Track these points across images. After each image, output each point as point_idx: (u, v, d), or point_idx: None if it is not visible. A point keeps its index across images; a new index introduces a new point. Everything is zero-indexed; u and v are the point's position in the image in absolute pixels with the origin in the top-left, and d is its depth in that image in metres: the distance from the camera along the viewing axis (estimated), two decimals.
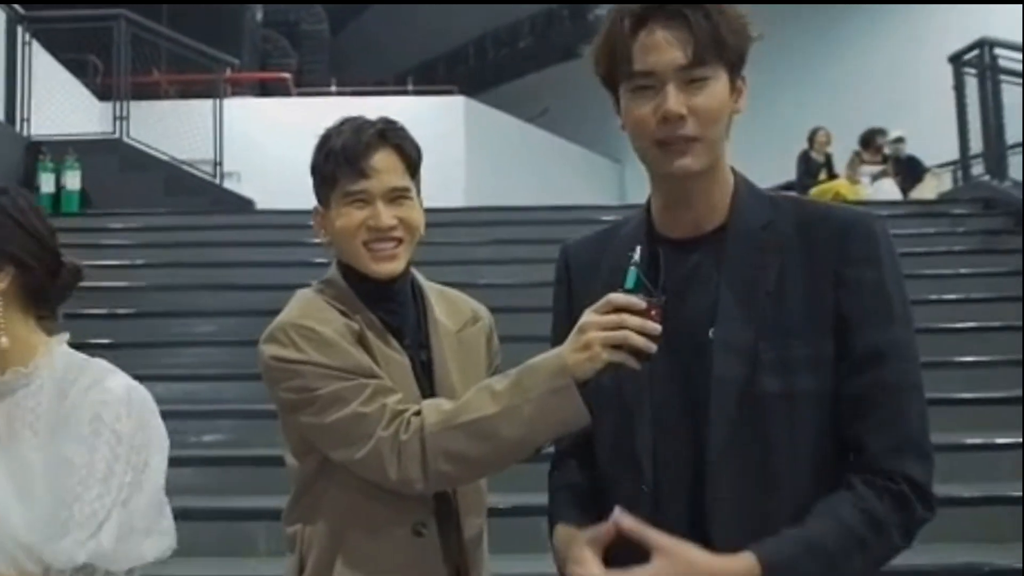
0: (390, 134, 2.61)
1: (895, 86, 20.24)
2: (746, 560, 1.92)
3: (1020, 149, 12.04)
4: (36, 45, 14.48)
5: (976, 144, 12.82)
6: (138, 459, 2.22)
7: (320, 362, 2.46)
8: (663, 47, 2.01)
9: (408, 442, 2.34)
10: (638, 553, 1.94)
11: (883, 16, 21.61)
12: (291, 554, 2.63)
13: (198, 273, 10.23)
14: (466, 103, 23.34)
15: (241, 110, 19.14)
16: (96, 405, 2.21)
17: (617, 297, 2.02)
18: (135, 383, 2.31)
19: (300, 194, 2.72)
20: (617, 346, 2.01)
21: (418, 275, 2.76)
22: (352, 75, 29.23)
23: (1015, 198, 11.37)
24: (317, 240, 2.74)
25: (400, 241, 2.60)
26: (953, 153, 13.73)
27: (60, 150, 13.33)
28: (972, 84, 12.77)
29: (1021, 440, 6.32)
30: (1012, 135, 12.18)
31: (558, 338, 2.21)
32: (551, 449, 2.38)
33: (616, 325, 2.01)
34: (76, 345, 2.40)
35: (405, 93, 26.04)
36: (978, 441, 6.54)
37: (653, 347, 1.99)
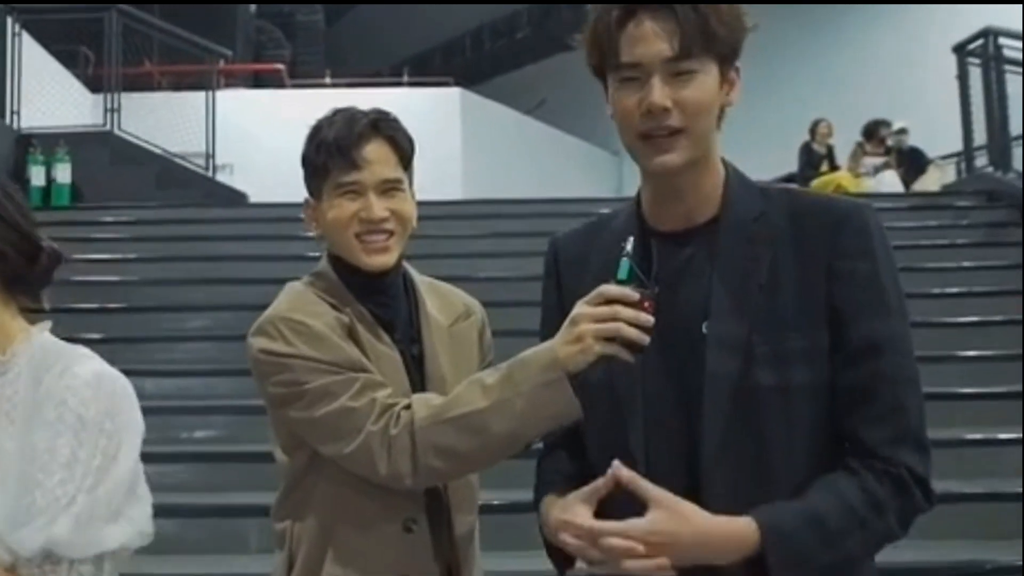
0: (383, 125, 2.61)
1: (898, 77, 20.26)
2: (745, 523, 1.93)
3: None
4: (26, 36, 14.48)
5: (980, 135, 12.80)
6: (108, 445, 2.20)
7: (309, 356, 2.47)
8: (650, 39, 2.00)
9: (398, 436, 2.34)
10: (631, 514, 1.93)
11: (886, 6, 21.60)
12: (280, 550, 2.63)
13: (190, 267, 10.22)
14: (462, 95, 23.30)
15: (234, 102, 19.10)
16: (62, 390, 2.21)
17: (610, 289, 2.02)
18: (109, 370, 2.30)
19: (294, 187, 2.72)
20: (610, 338, 2.01)
21: (410, 268, 2.76)
22: (347, 66, 29.21)
23: (1019, 190, 11.34)
24: (309, 233, 2.74)
25: (392, 233, 2.60)
26: (957, 144, 13.72)
27: (50, 143, 13.35)
28: (976, 74, 12.75)
29: (1023, 436, 6.31)
30: (1016, 126, 12.15)
31: (547, 333, 2.21)
32: (541, 445, 2.38)
33: (609, 317, 2.00)
34: (67, 340, 2.40)
35: (401, 85, 26.02)
36: (979, 436, 6.54)
37: (646, 339, 1.98)
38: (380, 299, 2.64)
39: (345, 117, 2.62)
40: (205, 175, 14.73)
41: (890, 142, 15.15)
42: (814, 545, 1.94)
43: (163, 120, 14.71)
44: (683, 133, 2.02)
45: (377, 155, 2.58)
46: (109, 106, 14.33)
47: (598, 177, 24.02)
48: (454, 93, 23.34)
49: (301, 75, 27.95)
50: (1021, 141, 12.06)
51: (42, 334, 2.36)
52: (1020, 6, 12.37)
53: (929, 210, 11.78)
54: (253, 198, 14.59)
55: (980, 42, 12.68)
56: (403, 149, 2.64)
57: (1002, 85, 12.35)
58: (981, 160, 12.91)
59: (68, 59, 16.98)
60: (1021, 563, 5.17)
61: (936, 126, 14.85)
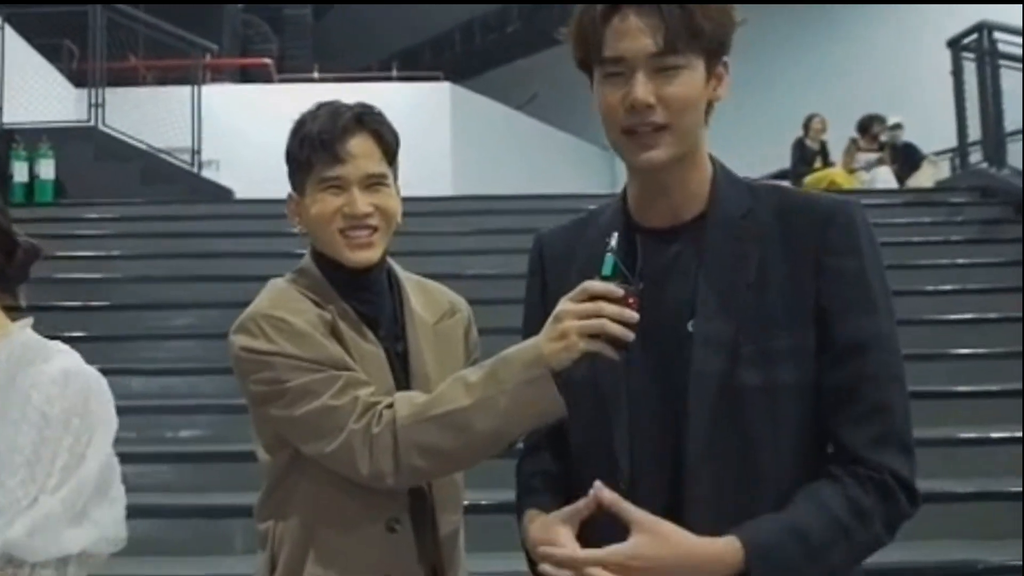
0: (367, 119, 2.60)
1: (893, 72, 20.27)
2: (728, 542, 1.92)
3: (1019, 136, 12.01)
4: (9, 30, 14.45)
5: (975, 131, 12.81)
6: (74, 444, 2.17)
7: (291, 353, 2.46)
8: (634, 33, 1.99)
9: (380, 435, 2.33)
10: (613, 534, 1.93)
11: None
12: (263, 550, 2.63)
13: (175, 264, 10.19)
14: (452, 89, 23.29)
15: (220, 97, 19.10)
16: (27, 388, 2.19)
17: (594, 285, 2.01)
18: (80, 367, 2.28)
19: (281, 183, 2.70)
20: (594, 335, 2.01)
21: (395, 265, 2.76)
22: (335, 61, 29.15)
23: (1014, 186, 11.36)
24: (294, 229, 2.73)
25: (376, 229, 2.59)
26: (951, 140, 13.72)
27: (34, 138, 13.30)
28: (971, 69, 12.76)
29: (1021, 435, 6.32)
30: (1012, 122, 12.16)
31: (529, 332, 2.20)
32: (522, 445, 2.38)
33: (593, 313, 2.00)
34: (50, 338, 2.39)
35: (390, 79, 25.99)
36: (973, 435, 6.54)
37: (631, 335, 1.98)
38: (364, 296, 2.63)
39: (329, 111, 2.61)
40: (191, 171, 14.72)
41: (884, 138, 15.15)
42: (798, 560, 1.93)
43: (148, 115, 14.70)
44: (667, 129, 2.02)
45: (361, 149, 2.57)
46: (93, 101, 14.31)
47: (590, 173, 24.02)
48: (444, 88, 23.34)
49: (289, 70, 27.92)
50: (1020, 137, 12.04)
51: (23, 331, 2.34)
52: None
53: (923, 206, 11.77)
54: (239, 194, 14.55)
55: (974, 37, 12.66)
56: (388, 143, 2.63)
57: (996, 80, 12.34)
58: (975, 156, 12.93)
59: (52, 53, 16.97)
60: (1017, 563, 5.17)
61: (931, 122, 14.85)
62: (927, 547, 5.08)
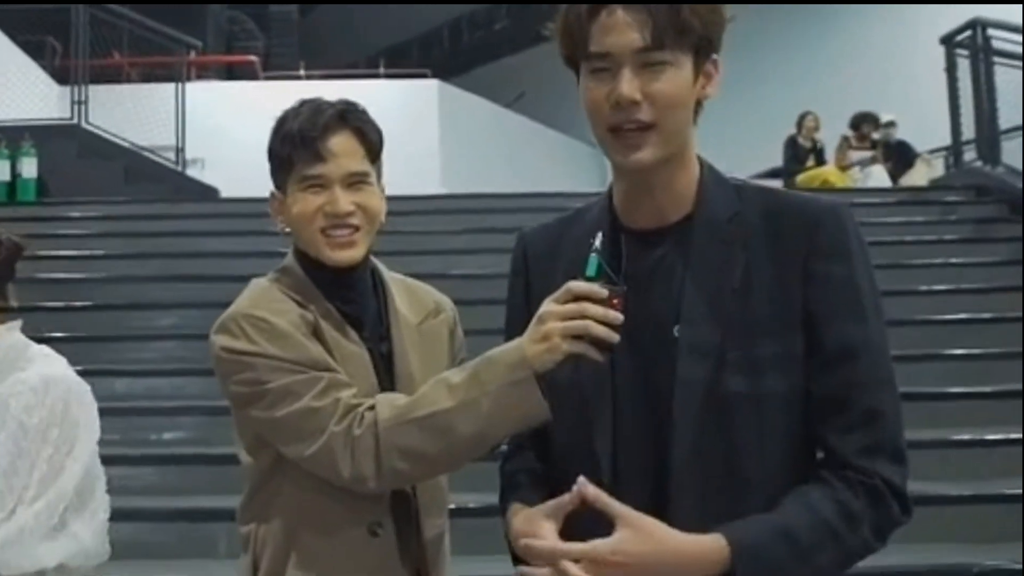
0: (350, 116, 2.59)
1: (887, 69, 20.28)
2: (714, 540, 1.91)
3: (1015, 134, 12.01)
4: None
5: (969, 129, 12.82)
6: (53, 455, 2.16)
7: (272, 354, 2.45)
8: (620, 28, 1.98)
9: (361, 437, 2.33)
10: (597, 530, 1.92)
11: None
12: (245, 554, 2.62)
13: (159, 264, 10.18)
14: (440, 87, 23.25)
15: (205, 94, 19.04)
16: (7, 396, 2.17)
17: (577, 285, 2.00)
18: (63, 374, 2.26)
19: (266, 182, 2.70)
20: (578, 336, 2.00)
21: (379, 264, 2.75)
22: (322, 58, 29.15)
23: (1009, 185, 11.38)
24: (277, 227, 2.72)
25: (358, 228, 2.58)
26: (946, 138, 13.73)
27: (16, 136, 13.25)
28: (965, 66, 12.77)
29: (1018, 436, 6.32)
30: (1006, 119, 12.17)
31: (511, 333, 2.20)
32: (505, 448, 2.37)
33: (576, 314, 1.99)
34: (32, 339, 2.38)
35: (377, 77, 25.93)
36: (968, 437, 6.55)
37: (615, 337, 1.97)
38: (347, 295, 2.63)
39: (311, 108, 2.60)
40: (175, 169, 14.66)
41: (876, 136, 15.16)
42: (785, 560, 1.92)
43: (132, 113, 14.64)
44: (654, 129, 2.00)
45: (343, 147, 2.57)
46: (76, 98, 14.25)
47: (579, 171, 23.99)
48: (432, 85, 23.29)
49: (274, 67, 27.88)
50: (1013, 135, 12.05)
51: (11, 333, 2.33)
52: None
53: (916, 205, 11.79)
54: (224, 193, 14.50)
55: (968, 33, 12.68)
56: (371, 141, 2.62)
57: (991, 77, 12.35)
58: (970, 154, 12.93)
59: (34, 50, 16.91)
60: (1016, 567, 5.17)
61: (925, 119, 14.87)
62: (922, 551, 5.08)
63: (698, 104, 2.09)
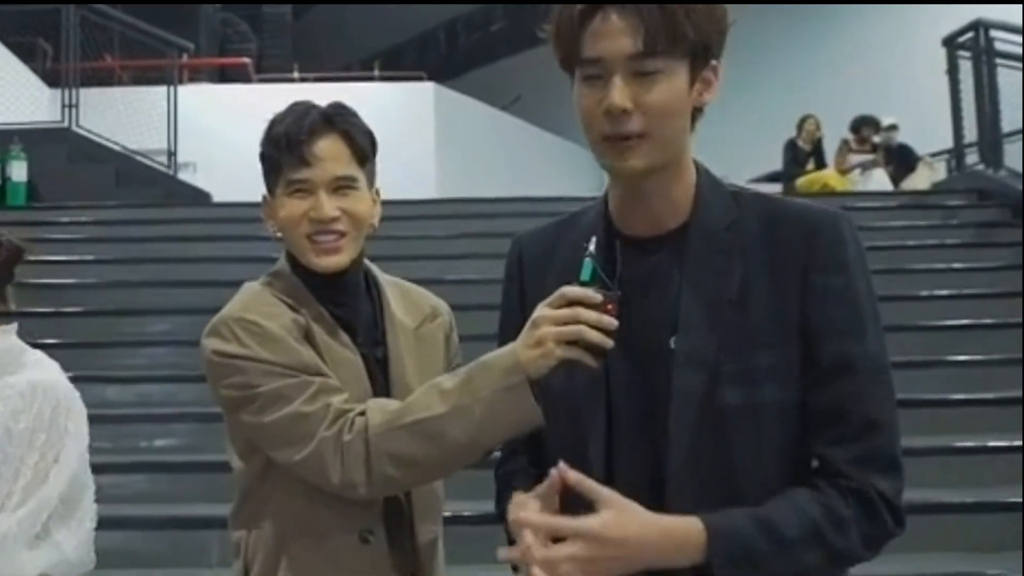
0: (337, 120, 2.59)
1: (888, 70, 20.30)
2: (693, 523, 1.91)
3: (1017, 137, 12.01)
4: None
5: (971, 132, 12.81)
6: (39, 462, 2.15)
7: (263, 358, 2.45)
8: (613, 34, 1.96)
9: (351, 443, 2.32)
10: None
11: None
12: (236, 560, 2.62)
13: (151, 269, 10.18)
14: (436, 90, 23.23)
15: (197, 97, 19.04)
16: None
17: (571, 290, 2.00)
18: (53, 379, 2.25)
19: (259, 186, 2.70)
20: (572, 342, 2.00)
21: (374, 268, 2.75)
22: (316, 60, 29.12)
23: (1011, 188, 11.36)
24: (269, 232, 2.71)
25: (344, 234, 2.57)
26: (948, 141, 13.71)
27: (5, 139, 13.24)
28: (967, 68, 12.76)
29: (1019, 443, 6.32)
30: (1009, 122, 12.16)
31: (505, 340, 2.19)
32: (499, 453, 2.37)
33: (570, 319, 1.99)
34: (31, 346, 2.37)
35: (372, 79, 25.94)
36: (971, 444, 6.55)
37: (609, 342, 1.97)
38: (340, 299, 2.63)
39: (298, 111, 2.60)
40: (167, 173, 14.65)
41: (876, 139, 15.16)
42: (763, 549, 1.91)
43: (123, 116, 14.63)
44: (645, 138, 1.99)
45: (329, 151, 2.56)
46: (67, 101, 14.25)
47: (577, 174, 23.95)
48: (427, 88, 23.27)
49: (268, 69, 27.89)
50: (1015, 138, 12.03)
51: (7, 337, 2.32)
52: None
53: (918, 209, 11.78)
54: (217, 197, 14.50)
55: (970, 35, 12.66)
56: (359, 145, 2.61)
57: (993, 79, 12.34)
58: (972, 157, 12.92)
59: (25, 52, 16.89)
60: None
61: (926, 122, 14.87)
62: (923, 559, 5.09)
63: (698, 110, 2.07)
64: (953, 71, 12.95)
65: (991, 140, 12.35)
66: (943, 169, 15.06)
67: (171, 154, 14.76)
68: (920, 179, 14.52)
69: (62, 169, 13.48)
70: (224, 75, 26.90)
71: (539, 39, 2.14)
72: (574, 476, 1.93)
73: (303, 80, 24.95)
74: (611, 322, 1.97)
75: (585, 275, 2.00)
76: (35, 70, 17.00)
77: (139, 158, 14.43)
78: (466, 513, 4.70)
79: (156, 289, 9.65)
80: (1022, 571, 5.16)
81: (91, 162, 13.81)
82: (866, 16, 21.99)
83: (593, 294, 1.98)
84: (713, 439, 2.00)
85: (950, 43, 12.99)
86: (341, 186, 2.57)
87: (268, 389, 2.42)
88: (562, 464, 1.95)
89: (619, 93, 1.96)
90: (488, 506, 2.29)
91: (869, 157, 14.97)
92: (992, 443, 6.51)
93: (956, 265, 9.79)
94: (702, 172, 2.15)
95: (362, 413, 2.36)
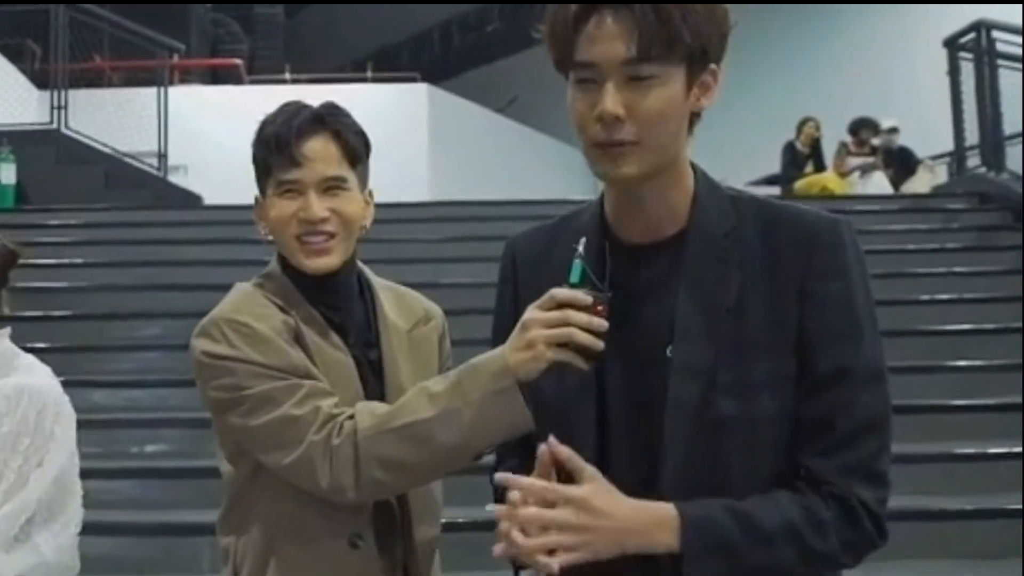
0: (328, 119, 2.59)
1: (889, 72, 20.31)
2: (667, 509, 1.93)
3: (1019, 140, 12.00)
4: None
5: (972, 134, 12.80)
6: (22, 465, 2.15)
7: (253, 360, 2.46)
8: (607, 38, 1.93)
9: (340, 447, 2.33)
10: None
11: None
12: (225, 566, 2.63)
13: (141, 272, 10.16)
14: (430, 91, 23.22)
15: (188, 99, 19.05)
16: None
17: (561, 292, 2.00)
18: (41, 383, 2.26)
19: (251, 189, 2.70)
20: (562, 344, 2.00)
21: (367, 271, 2.76)
22: (308, 61, 29.09)
23: (1013, 192, 11.36)
24: (261, 234, 2.71)
25: (333, 235, 2.58)
26: (949, 143, 13.69)
27: None
28: (968, 70, 12.75)
29: (1020, 450, 6.32)
30: (1010, 124, 12.12)
31: (498, 342, 2.19)
32: (491, 457, 2.37)
33: (560, 322, 1.99)
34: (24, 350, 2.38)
35: (365, 80, 25.93)
36: (971, 451, 6.55)
37: (600, 344, 1.97)
38: (332, 301, 2.63)
39: (288, 112, 2.60)
40: (157, 176, 14.65)
41: (877, 141, 15.17)
42: (735, 538, 1.92)
43: (113, 118, 14.63)
44: (638, 145, 1.97)
45: (319, 152, 2.57)
46: (56, 103, 14.25)
47: (572, 177, 23.92)
48: (421, 89, 23.26)
49: (260, 71, 27.85)
50: (1019, 140, 12.01)
51: (1, 341, 2.33)
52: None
53: (918, 213, 11.78)
54: (208, 200, 14.51)
55: (972, 36, 12.63)
56: (350, 145, 2.61)
57: (995, 81, 12.32)
58: (973, 160, 12.91)
59: (13, 53, 16.88)
60: None
61: (927, 124, 14.87)
62: (923, 566, 5.09)
63: (695, 115, 2.06)
64: (954, 72, 12.93)
65: (992, 142, 12.33)
66: (944, 172, 15.04)
67: (161, 156, 14.76)
68: (920, 182, 14.52)
69: (51, 171, 13.48)
70: (215, 76, 26.89)
71: (535, 40, 2.12)
72: (565, 452, 1.94)
73: (295, 81, 24.93)
74: (601, 324, 1.97)
75: (574, 277, 2.00)
76: (23, 71, 17.00)
77: (129, 160, 14.43)
78: (460, 519, 4.70)
79: (146, 293, 9.64)
80: None
81: (80, 164, 13.81)
82: (867, 17, 22.00)
83: (583, 296, 1.99)
84: (707, 449, 2.00)
85: (951, 44, 12.97)
86: (331, 187, 2.58)
87: (257, 391, 2.43)
88: (552, 439, 1.95)
89: (612, 100, 1.94)
90: (483, 513, 2.30)
91: (868, 160, 14.98)
92: (993, 449, 6.52)
93: (957, 269, 9.79)
94: (700, 176, 2.13)
95: (351, 417, 2.37)
